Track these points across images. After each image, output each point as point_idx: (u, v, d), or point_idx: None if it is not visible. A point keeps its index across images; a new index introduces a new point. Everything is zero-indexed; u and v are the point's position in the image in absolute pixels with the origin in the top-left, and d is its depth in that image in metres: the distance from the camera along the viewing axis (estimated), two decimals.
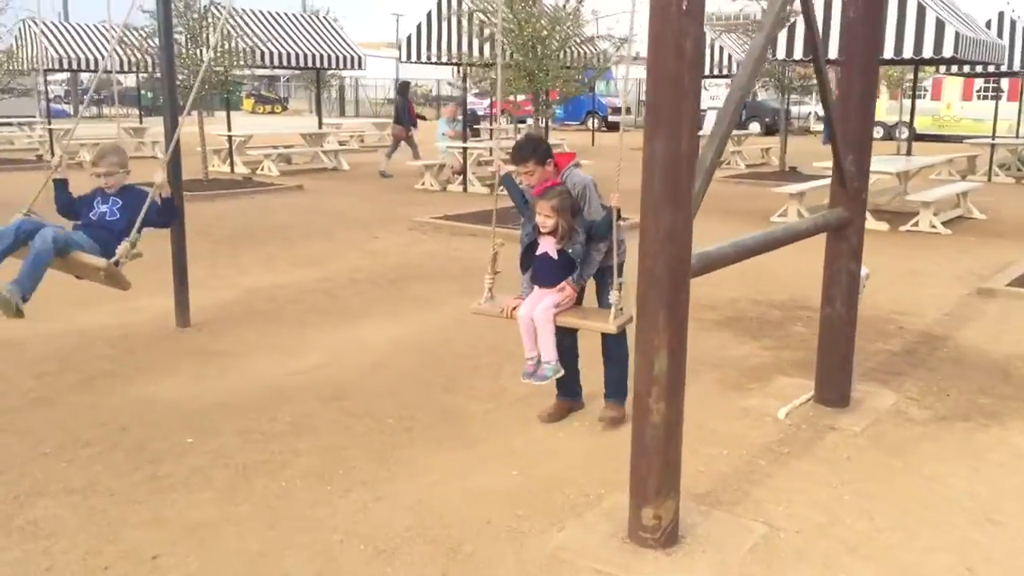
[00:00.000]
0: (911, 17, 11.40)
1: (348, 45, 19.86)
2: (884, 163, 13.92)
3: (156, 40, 15.99)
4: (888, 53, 11.67)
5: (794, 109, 26.40)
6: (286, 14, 19.40)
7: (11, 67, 20.97)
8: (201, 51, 14.97)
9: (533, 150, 4.88)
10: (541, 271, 4.97)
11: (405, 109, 18.97)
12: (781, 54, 12.72)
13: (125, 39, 17.27)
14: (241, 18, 17.39)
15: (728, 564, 3.65)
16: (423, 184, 16.40)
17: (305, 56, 18.78)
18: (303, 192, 15.66)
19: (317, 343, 6.70)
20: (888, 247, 10.71)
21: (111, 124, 7.30)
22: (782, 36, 12.62)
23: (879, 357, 6.46)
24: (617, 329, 4.72)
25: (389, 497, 4.27)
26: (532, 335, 5.00)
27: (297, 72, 33.98)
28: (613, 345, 5.19)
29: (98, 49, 21.03)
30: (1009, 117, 23.77)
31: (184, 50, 14.78)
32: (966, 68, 18.45)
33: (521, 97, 16.88)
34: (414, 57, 15.35)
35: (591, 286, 5.10)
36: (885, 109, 29.16)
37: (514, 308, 4.95)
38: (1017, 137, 25.34)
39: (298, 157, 20.44)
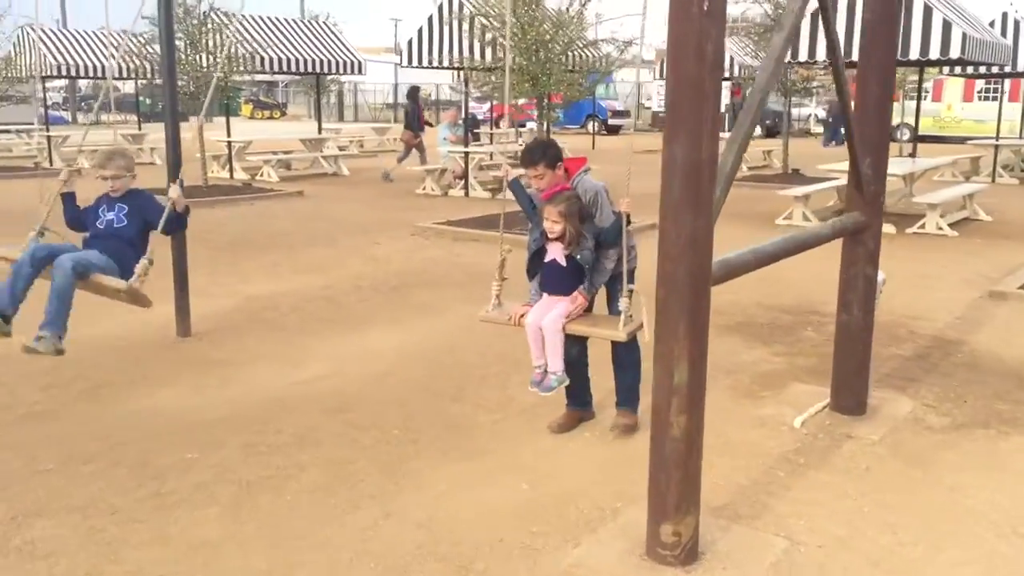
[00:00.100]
0: (918, 18, 11.31)
1: (348, 50, 19.76)
2: (891, 165, 13.80)
3: (155, 46, 15.97)
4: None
5: (794, 111, 26.31)
6: (286, 19, 19.30)
7: (9, 74, 20.88)
8: (201, 57, 14.88)
9: (543, 153, 4.77)
10: (550, 278, 4.87)
11: (415, 114, 18.84)
12: (787, 56, 12.61)
13: (125, 46, 17.19)
14: (241, 24, 17.28)
15: None
16: (424, 189, 16.30)
17: (305, 61, 18.68)
18: (303, 198, 15.55)
19: (320, 352, 6.58)
20: (895, 250, 10.59)
21: (109, 131, 7.19)
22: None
23: (893, 363, 6.35)
24: (627, 337, 4.61)
25: (398, 513, 4.16)
26: (539, 343, 4.89)
27: (296, 77, 33.93)
28: (624, 352, 5.08)
29: (96, 56, 20.93)
30: (1010, 118, 23.67)
31: (184, 56, 14.68)
32: (969, 69, 18.33)
33: (522, 101, 16.81)
34: (415, 62, 15.26)
35: (600, 292, 4.99)
36: None
37: (522, 315, 4.84)
38: (1021, 138, 25.32)
39: (298, 163, 20.33)
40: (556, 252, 4.82)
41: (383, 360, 6.40)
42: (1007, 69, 17.40)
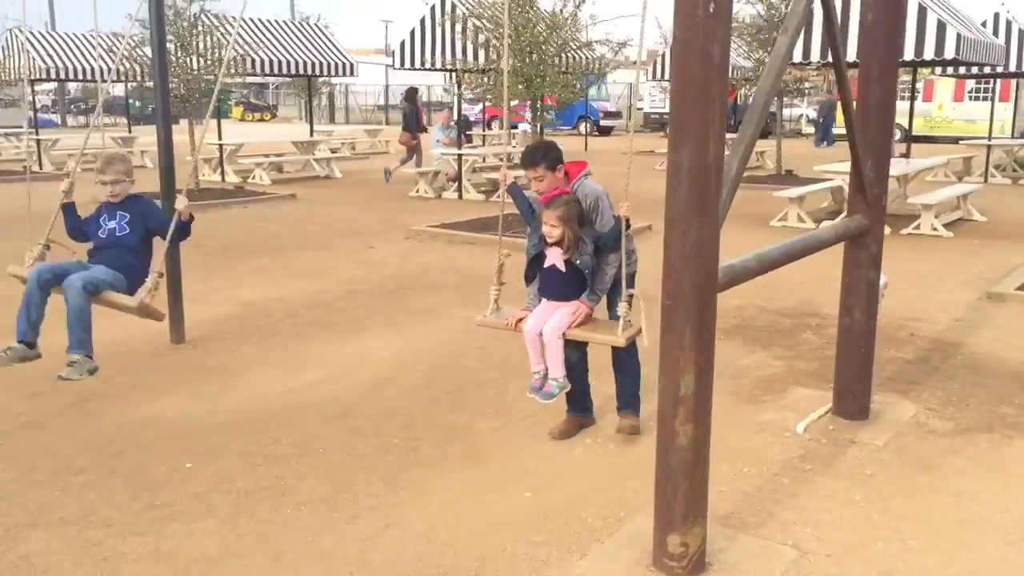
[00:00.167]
0: (912, 19, 11.29)
1: (339, 52, 19.67)
2: None
3: (144, 49, 15.86)
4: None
5: (784, 112, 26.32)
6: (277, 21, 19.20)
7: None
8: (192, 59, 14.77)
9: (544, 155, 4.72)
10: (549, 284, 4.81)
11: (414, 115, 18.72)
12: None
13: (114, 48, 17.07)
14: (231, 26, 17.17)
15: None
16: (418, 191, 16.22)
17: (296, 63, 18.58)
18: (296, 201, 15.46)
19: (317, 359, 6.51)
20: (891, 251, 10.45)
21: (97, 133, 7.12)
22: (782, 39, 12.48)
23: (894, 366, 6.30)
24: (626, 342, 4.56)
25: (399, 524, 4.09)
26: (538, 349, 4.83)
27: (287, 79, 33.80)
28: (625, 357, 5.03)
29: (85, 59, 20.79)
30: (1000, 117, 23.73)
31: (175, 58, 14.58)
32: (962, 69, 18.34)
33: (515, 102, 16.75)
34: (407, 64, 15.19)
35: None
36: None
37: (520, 320, 4.78)
38: (1013, 137, 25.38)
39: (290, 165, 20.23)
40: (555, 257, 4.76)
41: (381, 366, 6.33)
42: (999, 69, 17.41)
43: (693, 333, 3.29)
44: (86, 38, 21.14)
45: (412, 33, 15.04)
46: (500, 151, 20.45)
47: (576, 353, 4.88)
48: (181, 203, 4.70)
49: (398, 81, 50.34)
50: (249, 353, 6.64)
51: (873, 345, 5.22)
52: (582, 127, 32.88)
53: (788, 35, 3.72)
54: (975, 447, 4.92)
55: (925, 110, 30.45)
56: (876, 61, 4.83)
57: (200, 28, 15.20)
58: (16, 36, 20.12)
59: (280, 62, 18.24)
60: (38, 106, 24.28)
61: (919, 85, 29.78)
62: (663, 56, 21.76)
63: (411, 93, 19.50)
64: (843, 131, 20.67)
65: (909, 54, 11.63)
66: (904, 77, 21.93)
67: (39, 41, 20.61)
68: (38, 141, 20.77)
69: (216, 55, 15.64)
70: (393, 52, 16.02)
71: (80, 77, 21.54)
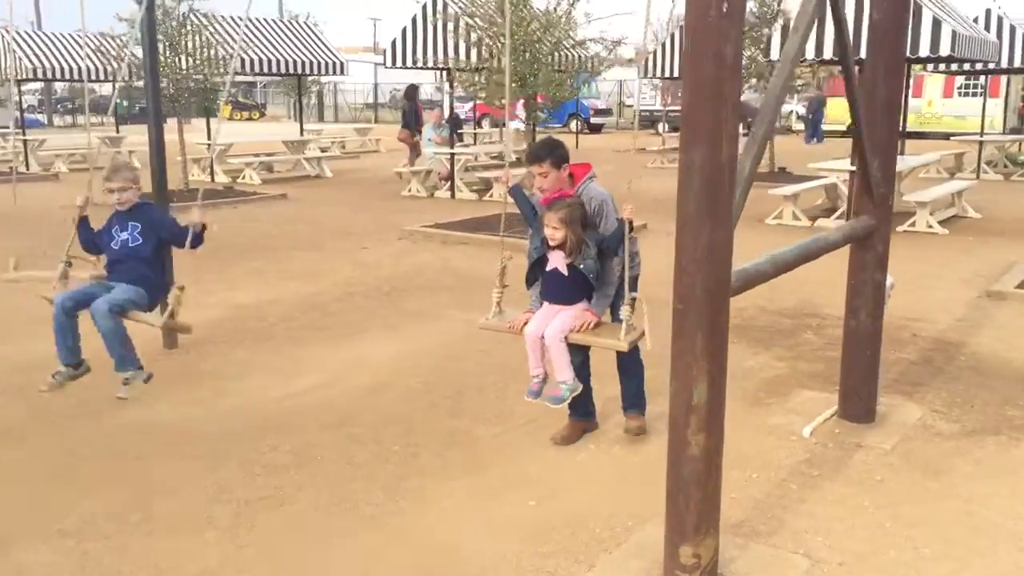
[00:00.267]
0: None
1: (329, 50, 19.52)
2: None
3: (131, 49, 15.70)
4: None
5: None
6: (266, 20, 19.04)
7: None
8: (181, 59, 14.63)
9: (550, 151, 4.65)
10: (551, 288, 4.74)
11: (414, 113, 18.55)
12: (775, 54, 12.53)
13: (102, 48, 16.91)
14: (221, 25, 17.02)
15: None
16: (410, 191, 16.11)
17: (286, 62, 18.43)
18: (287, 201, 15.33)
19: (313, 363, 6.41)
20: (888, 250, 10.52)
21: (86, 134, 7.02)
22: (776, 36, 12.44)
23: (898, 367, 6.24)
24: (628, 347, 4.48)
25: (401, 534, 4.01)
26: (538, 352, 4.76)
27: (276, 78, 33.60)
28: (628, 360, 4.96)
29: (72, 58, 20.59)
30: (990, 113, 23.74)
31: (164, 58, 14.43)
32: (954, 66, 18.33)
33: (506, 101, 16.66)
34: (399, 62, 15.06)
35: None
36: None
37: (524, 324, 4.70)
38: (1004, 133, 25.43)
39: (280, 165, 20.09)
40: (557, 261, 4.68)
41: (378, 371, 6.24)
42: (991, 66, 17.40)
43: (706, 339, 3.21)
44: (73, 38, 20.94)
45: (404, 32, 14.91)
46: (492, 150, 20.39)
47: (579, 357, 4.80)
48: (196, 215, 4.71)
49: (387, 80, 50.20)
50: (244, 357, 6.54)
51: (879, 347, 5.16)
52: (572, 125, 32.77)
53: (799, 35, 3.65)
54: (983, 450, 4.86)
55: (915, 106, 30.46)
56: (882, 60, 4.76)
57: (189, 28, 15.04)
58: (2, 36, 19.91)
59: (270, 61, 18.10)
60: (24, 106, 24.04)
61: (909, 81, 29.94)
62: (655, 54, 21.67)
63: (411, 91, 19.35)
64: (833, 127, 20.85)
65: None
66: None
67: (25, 41, 20.40)
68: (25, 142, 20.57)
69: (205, 54, 15.49)
70: (384, 51, 15.89)
71: (67, 77, 21.33)
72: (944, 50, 11.25)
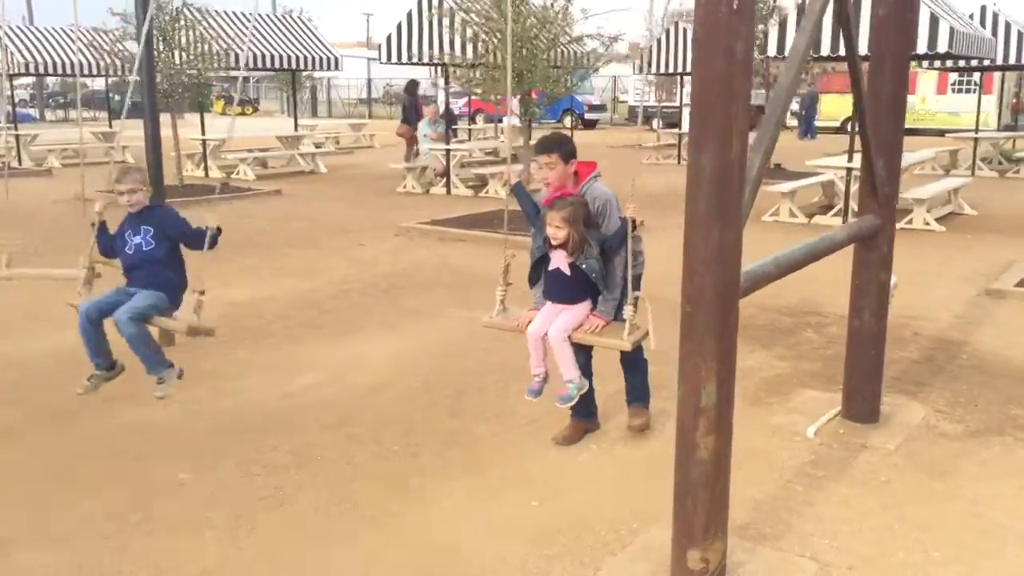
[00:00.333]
0: None
1: (324, 46, 19.43)
2: None
3: (125, 44, 15.61)
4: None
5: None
6: (260, 15, 18.94)
7: None
8: (174, 53, 14.53)
9: (560, 144, 4.63)
10: (553, 287, 4.69)
11: (413, 108, 18.43)
12: (772, 51, 12.48)
13: (94, 43, 16.79)
14: (215, 20, 16.91)
15: None
16: (405, 187, 16.04)
17: (281, 58, 18.34)
18: (282, 197, 15.24)
19: (312, 362, 6.35)
20: None
21: (77, 128, 6.97)
22: (773, 32, 12.39)
23: (899, 366, 6.21)
24: (632, 347, 4.44)
25: (402, 535, 3.96)
26: (540, 351, 4.72)
27: (269, 73, 33.45)
28: (631, 356, 4.92)
29: (64, 53, 20.46)
30: (984, 109, 23.72)
31: (157, 53, 14.31)
32: (949, 62, 18.30)
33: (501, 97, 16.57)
34: (394, 58, 14.97)
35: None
36: None
37: (530, 322, 4.66)
38: (998, 130, 25.45)
39: (274, 160, 19.99)
40: (560, 260, 4.63)
41: (377, 369, 6.18)
42: (986, 63, 17.39)
43: (715, 341, 3.17)
44: (64, 32, 20.80)
45: (399, 27, 14.82)
46: (487, 146, 20.31)
47: (583, 357, 4.75)
48: (213, 220, 4.73)
49: (381, 75, 50.07)
50: (241, 356, 6.48)
51: (883, 347, 5.12)
52: (567, 120, 32.69)
53: (806, 34, 3.60)
54: (988, 451, 4.83)
55: (909, 103, 30.39)
56: (888, 56, 4.72)
57: (183, 22, 14.94)
58: None
59: (264, 56, 18.01)
60: (16, 100, 23.87)
61: None
62: (650, 50, 21.63)
63: (411, 86, 19.24)
64: (826, 124, 20.80)
65: None
66: None
67: (17, 35, 20.25)
68: (17, 136, 20.44)
69: (199, 49, 15.38)
70: (379, 46, 15.80)
71: (59, 71, 21.19)
72: (942, 47, 11.22)
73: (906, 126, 4.87)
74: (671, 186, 15.94)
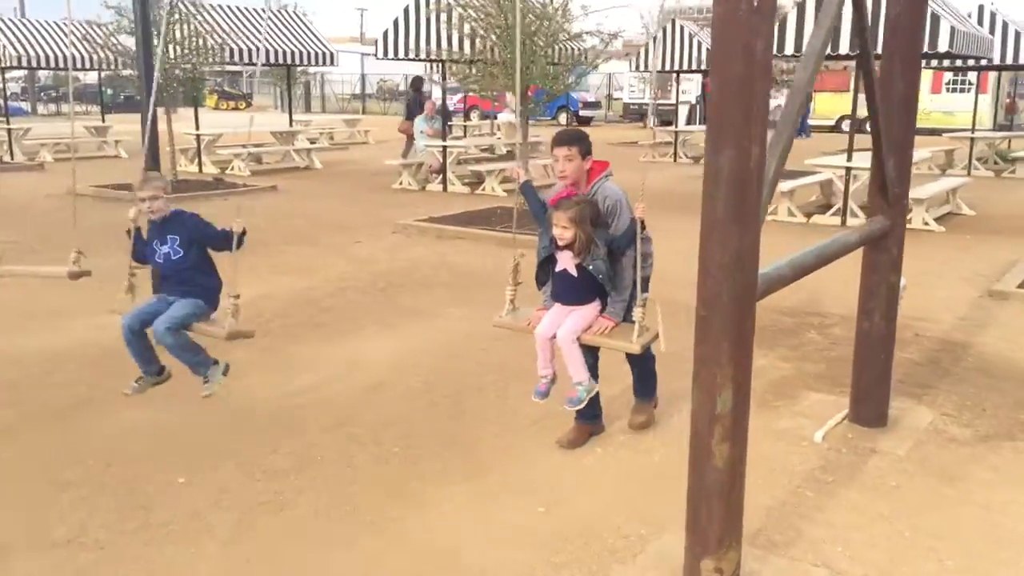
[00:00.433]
0: None
1: (319, 41, 19.31)
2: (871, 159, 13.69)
3: (119, 37, 15.46)
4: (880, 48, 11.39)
5: None
6: (254, 9, 18.82)
7: None
8: (169, 48, 14.40)
9: (579, 139, 4.56)
10: (561, 289, 4.62)
11: (418, 105, 18.30)
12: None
13: (88, 36, 16.64)
14: (209, 14, 16.78)
15: None
16: (401, 183, 15.94)
17: (276, 52, 18.22)
18: (277, 193, 15.13)
19: (311, 362, 6.26)
20: None
21: (74, 122, 6.88)
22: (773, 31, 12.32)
23: (903, 368, 6.15)
24: (641, 349, 4.38)
25: (405, 542, 3.88)
26: (548, 353, 4.65)
27: (265, 68, 33.27)
28: (638, 355, 4.85)
29: (57, 46, 20.30)
30: (979, 109, 23.72)
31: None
32: (946, 61, 18.28)
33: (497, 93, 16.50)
34: (391, 53, 14.87)
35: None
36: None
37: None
38: (994, 129, 25.44)
39: (269, 156, 19.86)
40: (566, 261, 4.56)
41: (376, 370, 6.10)
42: (983, 62, 17.36)
43: (732, 346, 3.10)
44: (57, 25, 20.63)
45: (395, 22, 14.72)
46: (483, 142, 20.22)
47: (590, 359, 4.68)
48: (239, 226, 4.75)
49: (375, 70, 49.91)
50: (239, 355, 6.32)
51: (892, 351, 5.07)
52: (562, 117, 32.66)
53: (823, 31, 3.52)
54: (998, 456, 4.77)
55: None
56: (899, 54, 4.66)
57: (178, 16, 14.81)
58: None
59: (259, 51, 17.87)
60: (7, 94, 23.64)
61: None
62: (646, 47, 21.56)
63: (417, 82, 19.13)
64: (820, 122, 20.70)
65: None
66: None
67: (9, 28, 20.08)
68: (9, 130, 20.27)
69: (194, 43, 15.25)
70: (376, 41, 15.69)
71: (51, 65, 21.03)
72: (942, 46, 11.18)
73: None
74: (668, 185, 15.88)
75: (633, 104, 37.03)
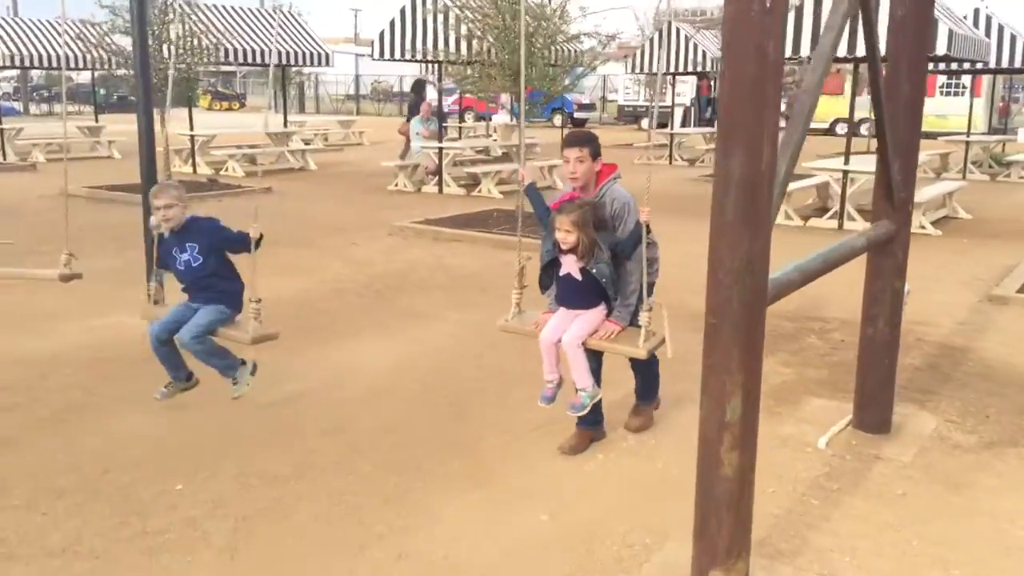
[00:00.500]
0: None
1: (314, 41, 19.23)
2: (867, 163, 13.67)
3: (113, 37, 15.36)
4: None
5: None
6: (250, 9, 18.72)
7: None
8: (164, 48, 14.31)
9: (591, 140, 4.53)
10: (565, 293, 4.58)
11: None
12: None
13: (82, 36, 16.55)
14: (204, 14, 16.69)
15: None
16: (396, 185, 15.87)
17: (271, 53, 18.08)
18: (272, 194, 15.03)
19: (309, 365, 6.19)
20: None
21: (67, 122, 6.83)
22: None
23: (905, 373, 6.10)
24: (647, 355, 4.33)
25: (410, 553, 3.81)
26: (553, 358, 4.61)
27: (257, 68, 33.15)
28: (642, 360, 4.80)
29: (51, 45, 20.18)
30: (973, 112, 23.76)
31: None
32: (941, 65, 18.29)
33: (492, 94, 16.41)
34: (387, 54, 14.81)
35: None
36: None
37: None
38: (988, 132, 25.47)
39: (263, 157, 19.75)
40: (570, 265, 4.51)
41: (375, 374, 6.03)
42: (979, 66, 17.37)
43: (741, 353, 3.04)
44: (51, 24, 20.52)
45: (392, 23, 14.66)
46: (478, 144, 20.15)
47: (593, 362, 4.63)
48: (256, 231, 4.85)
49: (369, 71, 49.84)
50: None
51: (896, 356, 5.03)
52: (556, 119, 32.62)
53: (833, 32, 3.47)
54: (1004, 463, 4.72)
55: None
56: (905, 56, 4.61)
57: (172, 16, 14.71)
58: None
59: (254, 51, 17.79)
60: (0, 94, 23.52)
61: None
62: (642, 49, 21.53)
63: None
64: (814, 125, 20.63)
65: None
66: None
67: (1, 27, 19.96)
68: (1, 130, 20.15)
69: (189, 44, 15.17)
70: (372, 42, 15.62)
71: (44, 64, 20.91)
72: (940, 49, 11.16)
73: None
74: (664, 188, 15.86)
75: (628, 106, 37.03)
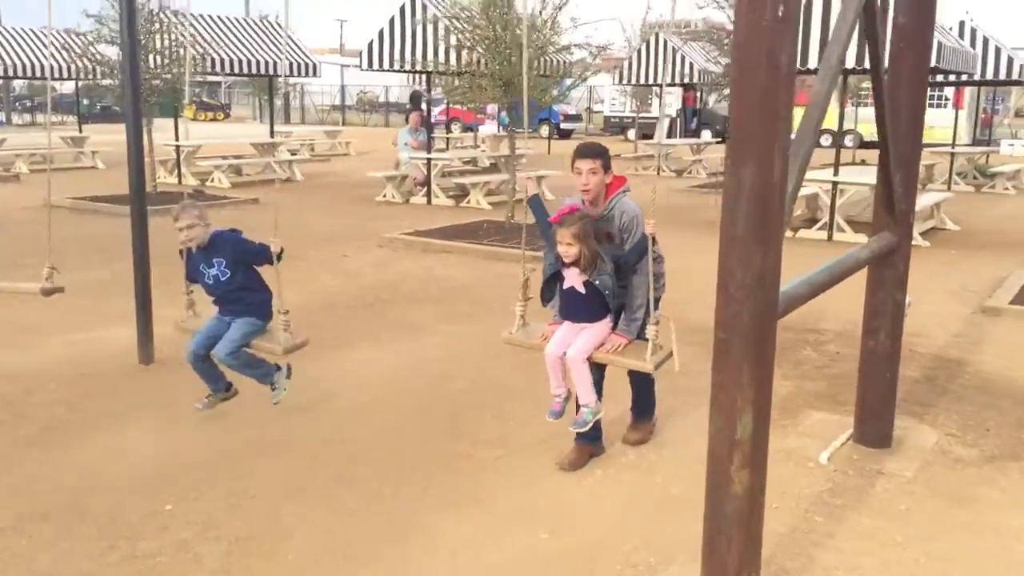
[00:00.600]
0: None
1: (301, 51, 19.14)
2: (855, 174, 13.71)
3: (98, 47, 15.23)
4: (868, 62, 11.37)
5: None
6: (236, 19, 18.62)
7: None
8: (150, 57, 14.20)
9: (602, 152, 4.48)
10: (569, 306, 4.52)
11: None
12: None
13: (67, 45, 16.40)
14: (191, 24, 16.57)
15: None
16: (385, 196, 15.77)
17: (258, 63, 18.02)
18: (259, 205, 14.89)
19: (301, 379, 6.01)
20: None
21: (45, 133, 6.75)
22: None
23: (902, 386, 5.99)
24: (655, 368, 4.27)
25: (405, 569, 3.73)
26: (559, 372, 4.55)
27: (241, 78, 33.00)
28: (640, 375, 4.74)
29: (34, 55, 20.00)
30: (951, 125, 23.89)
31: None
32: (939, 77, 18.39)
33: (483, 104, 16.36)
34: (375, 64, 14.72)
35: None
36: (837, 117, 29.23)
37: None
38: (972, 144, 25.62)
39: (249, 167, 19.62)
40: (573, 278, 4.45)
41: (369, 388, 5.94)
42: (963, 78, 17.46)
43: (752, 369, 2.97)
44: (33, 33, 20.35)
45: (380, 33, 14.58)
46: (466, 155, 20.09)
47: (595, 374, 4.57)
48: (276, 246, 4.85)
49: (355, 81, 49.76)
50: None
51: (897, 370, 4.98)
52: (543, 130, 32.60)
53: (840, 44, 3.42)
54: (1007, 478, 4.67)
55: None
56: (906, 67, 4.57)
57: (159, 26, 14.61)
58: None
59: (240, 61, 17.68)
60: None
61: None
62: (629, 60, 21.55)
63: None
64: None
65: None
66: (865, 84, 22.03)
67: None
68: None
69: (175, 54, 15.05)
70: (360, 52, 15.54)
71: (27, 74, 20.72)
72: (931, 61, 11.16)
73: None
74: (656, 200, 15.80)
75: (614, 117, 37.09)
